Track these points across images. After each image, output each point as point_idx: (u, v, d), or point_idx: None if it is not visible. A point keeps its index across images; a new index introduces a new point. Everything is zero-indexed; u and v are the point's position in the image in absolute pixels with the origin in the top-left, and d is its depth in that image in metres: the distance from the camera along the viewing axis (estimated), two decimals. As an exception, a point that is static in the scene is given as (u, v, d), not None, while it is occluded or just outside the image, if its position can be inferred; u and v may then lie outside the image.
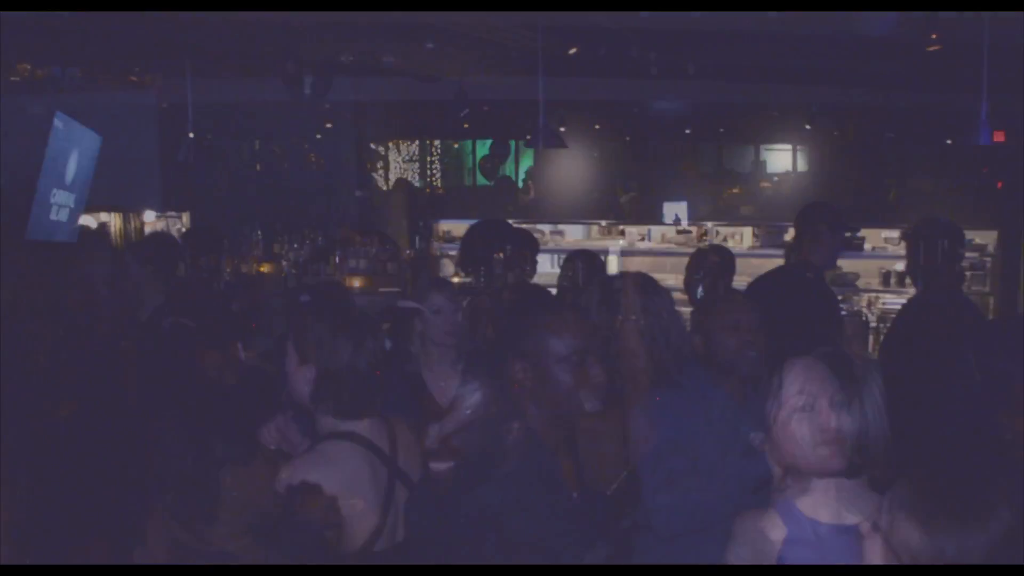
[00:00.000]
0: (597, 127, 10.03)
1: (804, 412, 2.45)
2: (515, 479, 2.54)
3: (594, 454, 2.95)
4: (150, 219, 10.07)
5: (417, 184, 17.76)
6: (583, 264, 5.73)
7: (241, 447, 2.81)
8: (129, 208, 9.72)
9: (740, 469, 3.18)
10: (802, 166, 9.87)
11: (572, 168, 10.23)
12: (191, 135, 7.94)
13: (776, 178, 9.81)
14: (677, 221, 9.70)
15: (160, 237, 7.32)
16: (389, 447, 2.89)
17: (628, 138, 9.94)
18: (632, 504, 3.25)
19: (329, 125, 11.63)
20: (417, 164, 19.40)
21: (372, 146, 16.38)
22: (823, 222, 5.48)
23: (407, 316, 4.25)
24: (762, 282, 5.95)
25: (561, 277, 5.94)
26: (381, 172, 18.22)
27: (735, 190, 10.02)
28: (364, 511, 2.76)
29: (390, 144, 18.30)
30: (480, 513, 2.50)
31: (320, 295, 4.51)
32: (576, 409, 2.66)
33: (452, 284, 4.89)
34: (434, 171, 19.80)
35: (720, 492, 3.17)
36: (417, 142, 18.83)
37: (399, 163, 19.13)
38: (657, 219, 10.26)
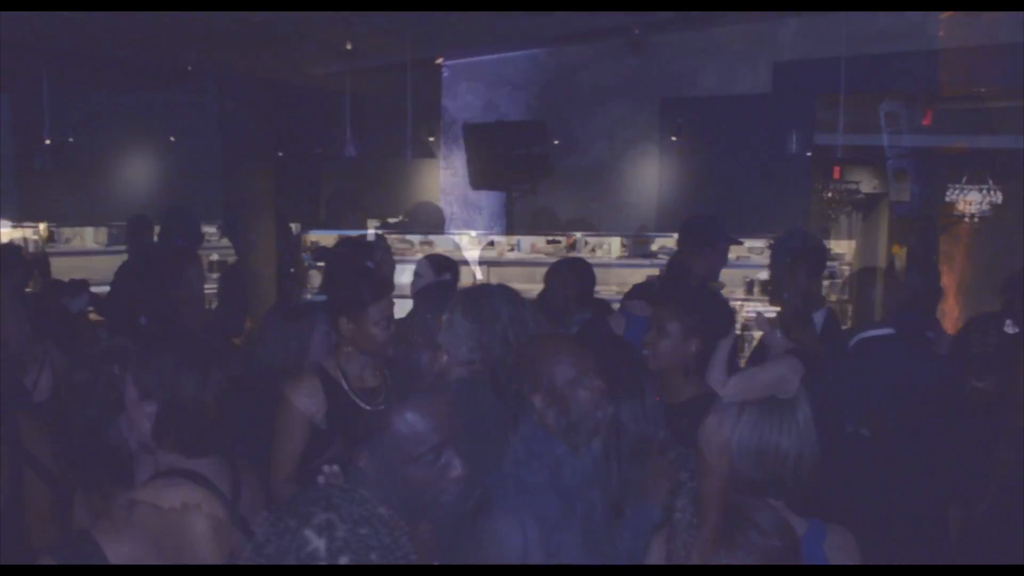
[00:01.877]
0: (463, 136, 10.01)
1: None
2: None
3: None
4: (6, 230, 9.69)
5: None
6: (434, 268, 5.59)
7: None
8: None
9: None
10: (668, 177, 10.04)
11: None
12: (47, 142, 7.65)
13: (644, 190, 9.92)
14: None
15: (7, 249, 6.99)
16: (231, 490, 2.71)
17: (492, 147, 9.91)
18: None
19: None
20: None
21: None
22: (708, 234, 5.52)
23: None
24: (647, 289, 5.93)
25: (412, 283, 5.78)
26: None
27: (603, 200, 10.11)
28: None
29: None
30: None
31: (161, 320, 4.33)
32: (431, 506, 2.30)
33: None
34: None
35: None
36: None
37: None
38: (526, 229, 10.31)
